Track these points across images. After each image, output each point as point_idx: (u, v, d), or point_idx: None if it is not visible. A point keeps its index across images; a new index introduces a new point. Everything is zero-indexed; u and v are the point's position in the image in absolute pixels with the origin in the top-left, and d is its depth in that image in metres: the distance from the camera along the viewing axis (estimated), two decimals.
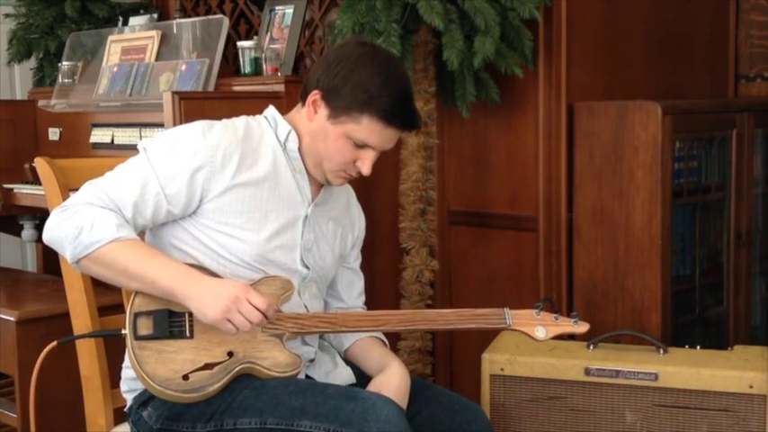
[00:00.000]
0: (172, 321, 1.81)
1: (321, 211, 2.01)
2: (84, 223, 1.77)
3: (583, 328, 1.95)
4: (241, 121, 1.96)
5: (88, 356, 2.07)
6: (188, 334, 1.82)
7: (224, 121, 1.95)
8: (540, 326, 1.92)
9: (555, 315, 1.94)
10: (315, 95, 1.91)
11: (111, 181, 1.85)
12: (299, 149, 1.95)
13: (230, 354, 1.82)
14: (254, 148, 1.91)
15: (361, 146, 1.90)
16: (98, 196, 1.81)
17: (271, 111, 2.00)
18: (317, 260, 1.99)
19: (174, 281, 1.77)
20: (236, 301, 1.75)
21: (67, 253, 1.80)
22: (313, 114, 1.92)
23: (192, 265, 1.83)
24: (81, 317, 2.07)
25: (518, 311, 1.94)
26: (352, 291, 2.16)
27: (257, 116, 2.00)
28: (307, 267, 1.97)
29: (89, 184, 1.85)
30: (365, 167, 1.92)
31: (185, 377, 1.78)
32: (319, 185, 2.00)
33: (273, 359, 1.84)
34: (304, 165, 1.96)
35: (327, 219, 2.03)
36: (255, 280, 1.87)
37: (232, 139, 1.89)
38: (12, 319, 2.79)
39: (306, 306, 1.97)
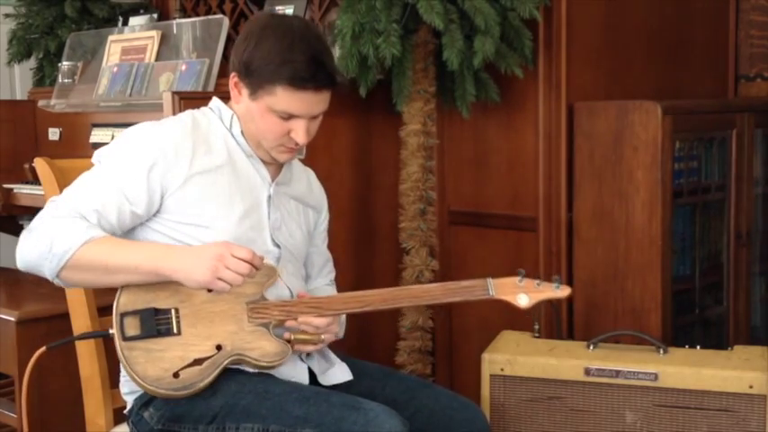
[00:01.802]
0: (158, 319, 1.81)
1: (283, 189, 2.02)
2: (54, 235, 1.77)
3: (564, 292, 1.94)
4: (187, 115, 1.98)
5: (88, 356, 2.07)
6: (175, 330, 1.82)
7: (170, 117, 1.98)
8: (523, 293, 1.92)
9: (537, 281, 1.93)
10: (234, 78, 1.93)
11: (71, 194, 1.85)
12: (242, 133, 1.97)
13: (219, 347, 1.83)
14: (204, 138, 1.93)
15: (287, 117, 1.90)
16: (60, 209, 1.81)
17: (215, 101, 2.02)
18: (287, 238, 2.01)
19: (156, 259, 1.77)
20: (220, 258, 1.75)
21: (45, 269, 1.79)
22: (238, 96, 1.94)
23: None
24: (81, 317, 2.07)
25: (501, 280, 1.93)
26: (324, 269, 2.18)
27: (202, 108, 2.02)
28: (278, 246, 1.98)
29: (50, 201, 1.85)
30: (299, 137, 1.91)
31: (176, 375, 1.79)
32: (278, 165, 2.02)
33: (262, 349, 1.85)
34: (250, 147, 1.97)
35: (289, 197, 2.04)
36: None
37: (181, 131, 1.91)
38: (12, 319, 2.78)
39: (288, 286, 1.97)
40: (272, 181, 1.99)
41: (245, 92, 1.92)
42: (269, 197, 1.98)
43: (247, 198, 1.94)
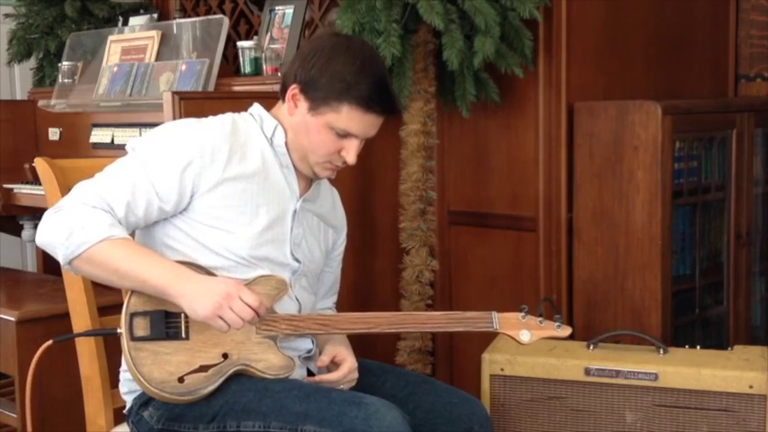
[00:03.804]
0: (168, 322, 1.81)
1: (309, 206, 2.03)
2: (76, 223, 1.77)
3: (565, 332, 1.97)
4: (227, 118, 1.97)
5: (88, 356, 2.07)
6: (183, 335, 1.82)
7: (210, 117, 1.96)
8: (525, 329, 1.95)
9: (540, 319, 1.96)
10: (294, 90, 1.92)
11: (102, 181, 1.84)
12: (285, 144, 1.96)
13: (225, 356, 1.83)
14: (241, 143, 1.92)
15: (343, 135, 1.91)
16: (90, 196, 1.81)
17: (256, 108, 2.02)
18: (306, 254, 2.01)
19: (166, 279, 1.76)
20: (227, 298, 1.74)
21: (59, 253, 1.79)
22: (293, 109, 1.94)
23: (184, 263, 1.83)
24: (81, 317, 2.07)
25: (505, 315, 1.96)
26: (330, 291, 2.19)
27: (242, 113, 2.01)
28: (297, 261, 1.98)
29: (81, 185, 1.85)
30: (350, 157, 1.93)
31: (181, 379, 1.78)
32: (307, 181, 2.02)
33: (267, 361, 1.85)
34: (290, 159, 1.97)
35: (313, 215, 2.05)
36: (250, 279, 1.87)
37: (220, 134, 1.90)
38: (12, 319, 2.78)
39: (297, 298, 1.98)
40: (300, 196, 1.99)
41: (303, 105, 1.92)
42: (294, 212, 1.98)
43: (273, 209, 1.93)
